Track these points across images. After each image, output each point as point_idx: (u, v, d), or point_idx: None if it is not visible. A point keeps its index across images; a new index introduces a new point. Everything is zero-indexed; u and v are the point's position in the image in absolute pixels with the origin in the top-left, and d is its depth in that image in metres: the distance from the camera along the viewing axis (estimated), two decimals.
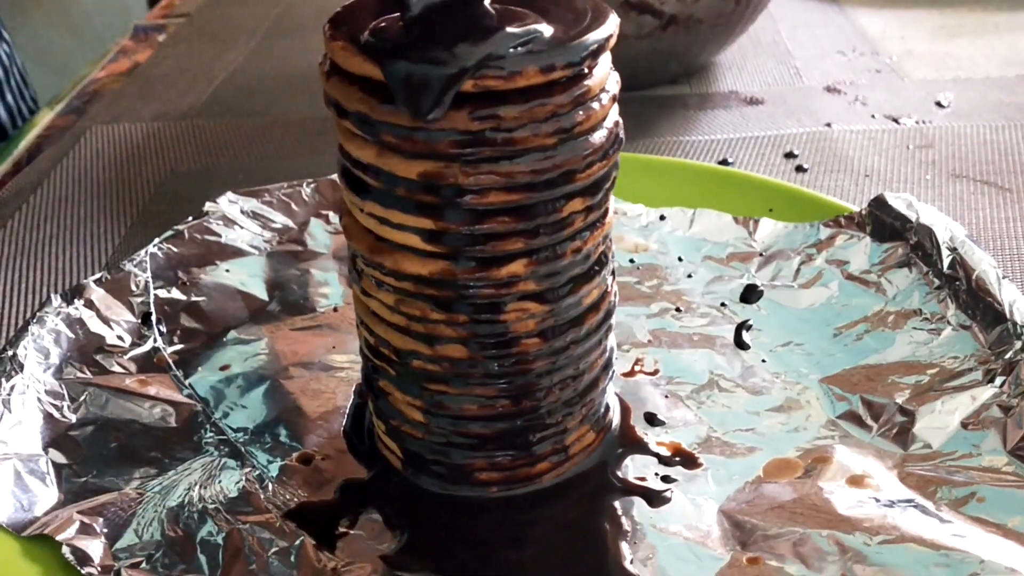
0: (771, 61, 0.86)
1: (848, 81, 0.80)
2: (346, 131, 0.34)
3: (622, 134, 0.36)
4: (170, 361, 0.48)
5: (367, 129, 0.33)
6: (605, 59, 0.34)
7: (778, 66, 0.85)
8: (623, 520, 0.39)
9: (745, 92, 0.79)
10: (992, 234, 0.57)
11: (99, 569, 0.36)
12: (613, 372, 0.42)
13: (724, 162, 0.67)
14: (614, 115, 0.35)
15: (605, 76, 0.34)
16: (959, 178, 0.64)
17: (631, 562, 0.37)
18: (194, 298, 0.52)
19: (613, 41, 0.33)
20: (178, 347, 0.49)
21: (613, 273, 0.40)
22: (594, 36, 0.32)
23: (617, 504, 0.40)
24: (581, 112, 0.33)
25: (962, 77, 0.80)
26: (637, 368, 0.47)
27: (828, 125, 0.72)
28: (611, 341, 0.41)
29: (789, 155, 0.68)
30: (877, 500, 0.38)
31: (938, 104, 0.75)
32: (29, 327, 0.47)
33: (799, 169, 0.66)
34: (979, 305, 0.44)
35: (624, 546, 0.38)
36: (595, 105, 0.33)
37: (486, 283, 0.35)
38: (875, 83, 0.80)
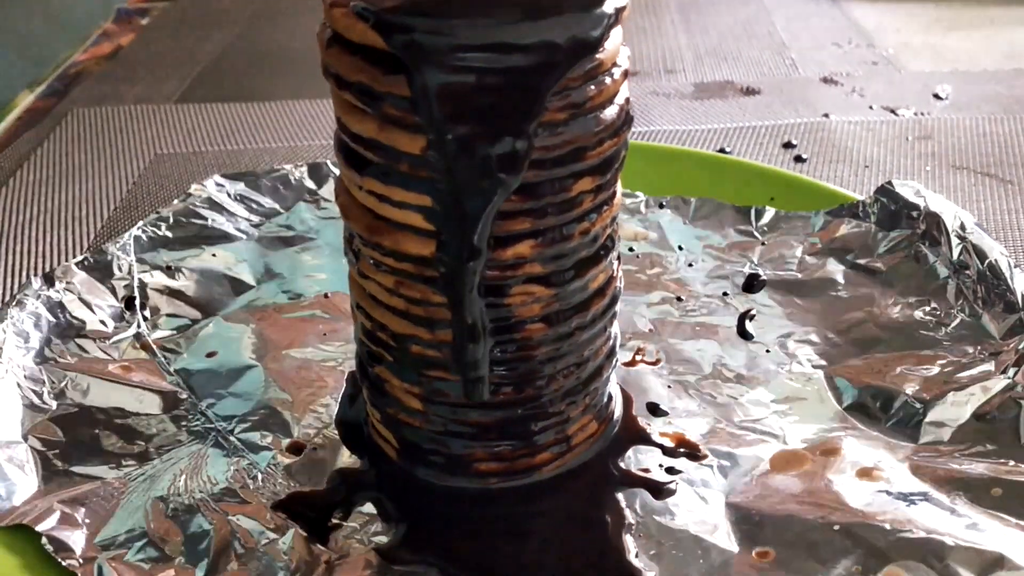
0: (766, 52, 0.85)
1: (844, 73, 0.80)
2: (345, 104, 0.32)
3: (632, 112, 0.34)
4: (154, 347, 0.46)
5: (368, 101, 0.31)
6: (617, 32, 0.33)
7: (774, 57, 0.84)
8: (627, 512, 0.37)
9: (741, 82, 0.78)
10: (995, 226, 0.57)
11: (80, 560, 0.34)
12: (617, 360, 0.40)
13: (722, 151, 0.66)
14: (625, 91, 0.34)
15: (616, 50, 0.33)
16: (959, 170, 0.63)
17: (635, 556, 0.36)
18: (179, 282, 0.50)
19: (627, 13, 0.32)
20: (163, 333, 0.47)
21: (619, 258, 0.38)
22: (606, 7, 0.31)
23: (620, 496, 0.38)
24: (593, 87, 0.31)
25: (959, 70, 0.79)
26: (639, 357, 0.45)
27: (826, 116, 0.71)
28: (615, 328, 0.40)
29: (787, 145, 0.67)
30: (889, 493, 0.37)
31: (936, 96, 0.74)
32: (8, 310, 0.45)
33: (798, 159, 0.65)
34: (990, 294, 0.43)
35: (628, 539, 0.36)
36: (607, 80, 0.32)
37: (491, 265, 0.33)
38: (872, 75, 0.79)
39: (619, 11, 0.31)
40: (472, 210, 0.31)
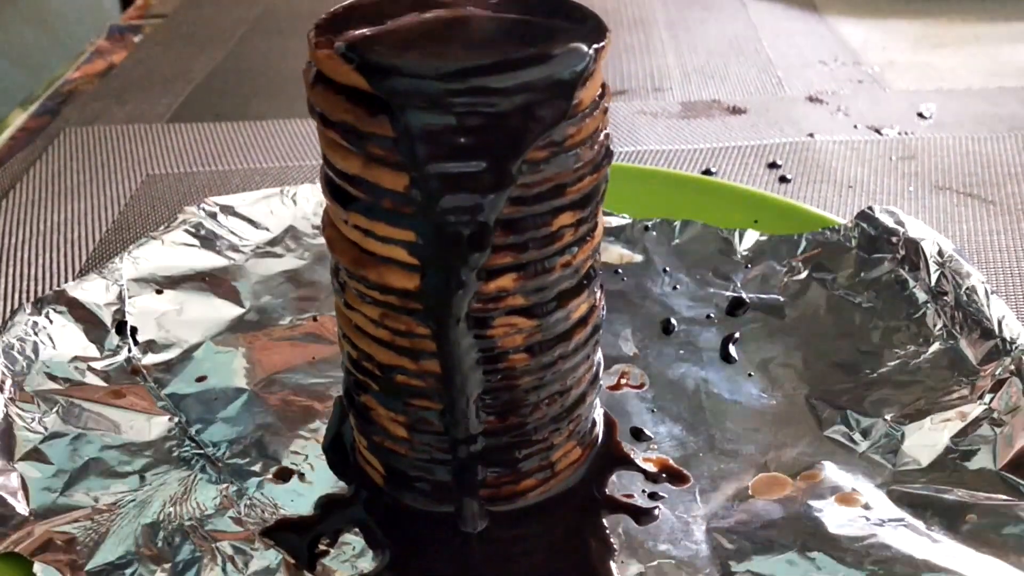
0: (753, 70, 0.86)
1: (830, 91, 0.80)
2: (330, 141, 0.33)
3: (612, 147, 0.35)
4: (145, 372, 0.47)
5: (353, 140, 0.32)
6: (596, 71, 0.33)
7: (760, 75, 0.85)
8: (610, 538, 0.38)
9: (727, 101, 0.79)
10: (976, 247, 0.57)
11: None
12: (600, 386, 0.41)
13: (707, 172, 0.66)
14: (604, 126, 0.34)
15: (595, 88, 0.33)
16: (942, 190, 0.64)
17: None
18: (170, 306, 0.51)
19: (606, 53, 0.32)
20: (153, 357, 0.48)
21: (601, 286, 0.39)
22: (587, 51, 0.32)
23: (604, 521, 0.39)
24: (572, 126, 0.32)
25: (944, 88, 0.80)
26: (623, 381, 0.46)
27: (811, 135, 0.72)
28: (598, 355, 0.40)
29: (772, 165, 0.67)
30: (867, 519, 0.37)
31: (920, 115, 0.75)
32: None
33: (782, 180, 0.66)
34: (968, 320, 0.44)
35: (612, 565, 0.37)
36: (586, 119, 0.33)
37: (474, 297, 0.34)
38: (857, 93, 0.80)
39: (598, 51, 0.32)
40: (456, 251, 0.31)
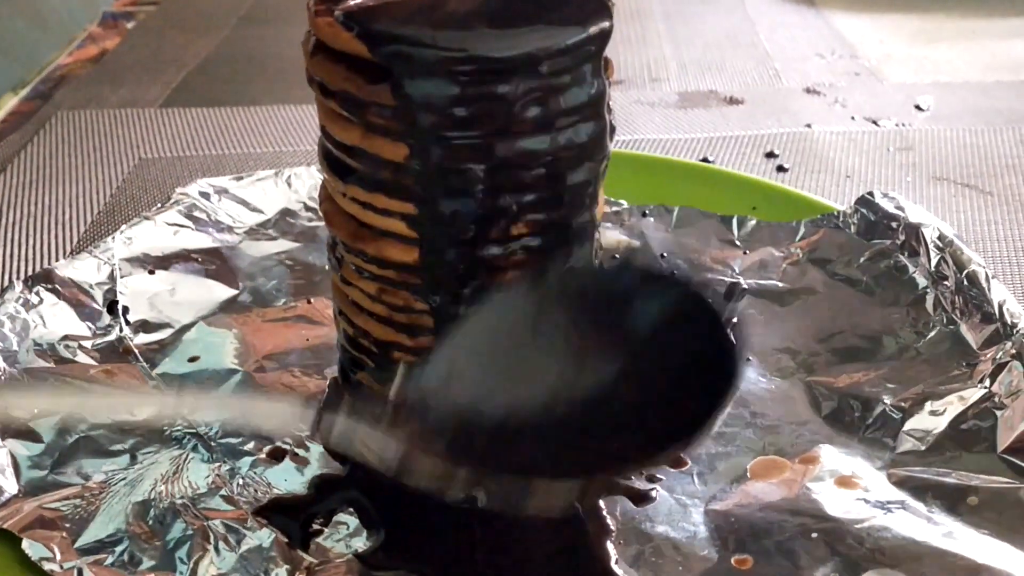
0: (750, 62, 0.86)
1: (827, 83, 0.80)
2: (329, 112, 0.33)
3: (615, 123, 0.35)
4: (137, 351, 0.46)
5: (352, 110, 0.32)
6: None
7: (757, 67, 0.84)
8: (607, 520, 0.38)
9: (724, 92, 0.79)
10: (974, 236, 0.57)
11: (61, 566, 0.34)
12: None
13: (705, 160, 0.66)
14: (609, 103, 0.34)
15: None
16: (940, 181, 0.64)
17: (616, 562, 0.36)
18: (163, 287, 0.50)
19: (611, 31, 0.32)
20: (145, 337, 0.47)
21: None
22: (593, 27, 0.31)
23: (601, 503, 0.38)
24: None
25: (941, 81, 0.80)
26: None
27: (808, 126, 0.72)
28: None
29: (770, 155, 0.67)
30: (867, 501, 0.37)
31: (917, 107, 0.75)
32: None
33: (780, 169, 0.65)
34: (968, 305, 0.43)
35: (609, 546, 0.36)
36: None
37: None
38: (854, 85, 0.80)
39: (607, 30, 0.31)
40: (457, 216, 0.31)
